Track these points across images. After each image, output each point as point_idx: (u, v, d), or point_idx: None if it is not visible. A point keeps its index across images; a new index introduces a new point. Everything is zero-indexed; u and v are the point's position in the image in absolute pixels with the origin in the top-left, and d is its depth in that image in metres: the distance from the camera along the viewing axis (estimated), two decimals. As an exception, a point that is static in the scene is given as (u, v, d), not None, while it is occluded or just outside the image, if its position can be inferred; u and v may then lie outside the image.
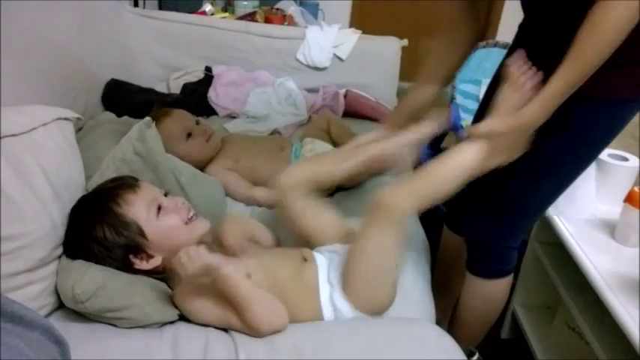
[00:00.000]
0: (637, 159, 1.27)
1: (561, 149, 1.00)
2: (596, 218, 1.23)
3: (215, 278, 0.84)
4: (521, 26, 1.08)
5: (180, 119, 1.35)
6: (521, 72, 0.92)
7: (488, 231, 1.09)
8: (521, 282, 1.47)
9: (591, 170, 1.25)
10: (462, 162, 0.93)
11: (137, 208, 0.90)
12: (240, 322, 0.85)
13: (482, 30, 1.08)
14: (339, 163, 1.06)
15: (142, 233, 0.90)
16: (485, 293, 1.17)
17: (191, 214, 0.96)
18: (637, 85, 0.93)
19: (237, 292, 0.83)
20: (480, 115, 1.09)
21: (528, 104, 0.89)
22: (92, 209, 0.91)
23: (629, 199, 1.11)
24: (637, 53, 0.90)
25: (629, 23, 0.79)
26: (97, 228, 0.88)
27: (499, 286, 1.16)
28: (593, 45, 0.82)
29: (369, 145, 1.08)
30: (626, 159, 1.26)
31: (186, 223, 0.95)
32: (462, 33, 1.08)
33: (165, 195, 0.98)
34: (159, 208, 0.93)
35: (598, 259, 1.09)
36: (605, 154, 1.25)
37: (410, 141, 1.07)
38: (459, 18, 1.07)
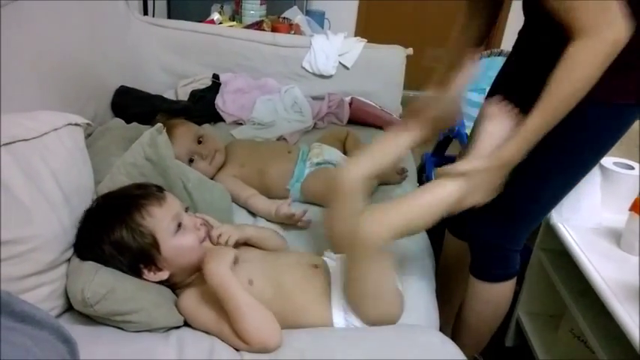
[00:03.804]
0: (642, 167, 1.27)
1: (569, 152, 1.00)
2: (602, 226, 1.23)
3: (210, 285, 0.86)
4: (520, 32, 1.09)
5: (182, 142, 1.31)
6: (502, 108, 0.96)
7: (492, 234, 1.10)
8: (525, 289, 1.46)
9: (596, 178, 1.25)
10: (441, 197, 0.92)
11: (158, 222, 0.90)
12: (231, 333, 0.85)
13: (489, 30, 1.12)
14: (399, 139, 1.06)
15: (156, 247, 0.90)
16: (490, 297, 1.17)
17: (205, 236, 0.97)
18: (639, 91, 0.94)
19: (229, 301, 0.85)
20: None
21: (505, 143, 0.90)
22: (115, 212, 0.91)
23: (635, 207, 1.11)
24: (638, 58, 0.91)
25: (600, 67, 0.82)
26: (115, 230, 0.89)
27: (503, 290, 1.17)
28: (566, 87, 0.84)
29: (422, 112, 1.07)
30: (631, 167, 1.26)
31: (202, 242, 0.95)
32: (471, 34, 1.09)
33: (186, 210, 0.98)
34: (179, 225, 0.92)
35: (603, 267, 1.08)
36: (610, 163, 1.25)
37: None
38: (469, 16, 1.08)
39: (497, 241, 1.11)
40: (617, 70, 0.90)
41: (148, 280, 0.91)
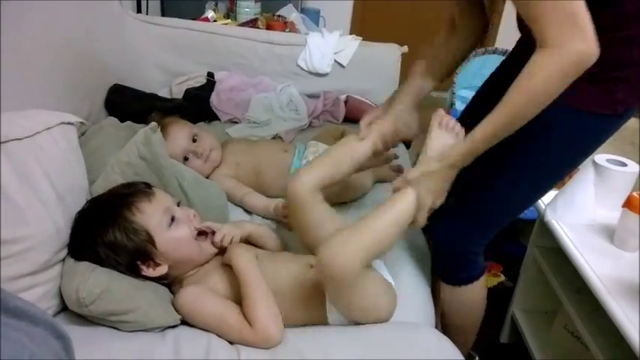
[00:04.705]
0: (635, 164, 1.27)
1: (539, 161, 1.00)
2: (595, 223, 1.24)
3: (236, 265, 0.90)
4: (517, 41, 1.09)
5: (176, 141, 1.31)
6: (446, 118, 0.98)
7: (454, 239, 1.08)
8: (520, 286, 1.47)
9: (590, 175, 1.26)
10: (401, 212, 0.92)
11: (150, 217, 0.91)
12: (236, 322, 0.85)
13: (486, 26, 1.09)
14: (352, 151, 1.03)
15: (151, 242, 0.90)
16: (462, 299, 1.16)
17: (202, 227, 0.97)
18: (615, 102, 0.93)
19: (250, 284, 0.88)
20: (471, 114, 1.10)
21: (455, 145, 0.91)
22: (105, 213, 0.91)
23: (628, 204, 1.12)
24: (615, 70, 0.91)
25: (561, 79, 0.80)
26: (107, 232, 0.89)
27: (472, 291, 1.16)
28: (521, 99, 0.83)
29: (374, 124, 1.06)
30: (624, 164, 1.27)
31: (196, 238, 0.96)
32: (463, 31, 1.08)
33: (178, 205, 0.98)
34: (172, 219, 0.93)
35: (597, 264, 1.09)
36: (603, 160, 1.26)
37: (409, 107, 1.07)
38: (462, 15, 1.06)
39: (460, 246, 1.09)
40: (595, 80, 0.90)
41: (148, 277, 0.91)
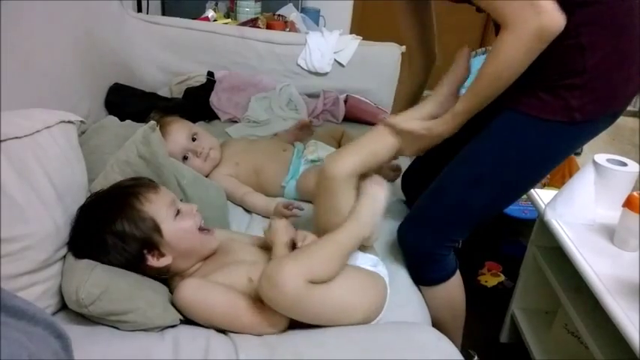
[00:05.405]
0: (636, 164, 1.27)
1: (493, 168, 1.01)
2: (595, 223, 1.23)
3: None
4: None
5: (175, 140, 1.31)
6: None
7: (417, 243, 1.07)
8: (520, 286, 1.47)
9: (590, 175, 1.25)
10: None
11: (157, 207, 0.92)
12: (245, 306, 0.86)
13: (434, 56, 1.24)
14: (389, 146, 1.05)
15: (158, 231, 0.91)
16: (439, 298, 1.15)
17: (203, 222, 0.98)
18: (570, 108, 0.94)
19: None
20: None
21: (440, 119, 0.99)
22: (113, 203, 0.92)
23: (628, 203, 1.11)
24: (568, 77, 0.92)
25: (525, 51, 0.86)
26: (116, 220, 0.89)
27: (447, 289, 1.15)
28: (490, 77, 0.91)
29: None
30: (624, 164, 1.27)
31: (200, 231, 0.96)
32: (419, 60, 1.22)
33: (180, 201, 0.99)
34: (177, 211, 0.94)
35: (597, 264, 1.09)
36: (603, 159, 1.26)
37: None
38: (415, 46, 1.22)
39: (424, 249, 1.09)
40: (548, 88, 0.92)
41: (152, 267, 0.91)
